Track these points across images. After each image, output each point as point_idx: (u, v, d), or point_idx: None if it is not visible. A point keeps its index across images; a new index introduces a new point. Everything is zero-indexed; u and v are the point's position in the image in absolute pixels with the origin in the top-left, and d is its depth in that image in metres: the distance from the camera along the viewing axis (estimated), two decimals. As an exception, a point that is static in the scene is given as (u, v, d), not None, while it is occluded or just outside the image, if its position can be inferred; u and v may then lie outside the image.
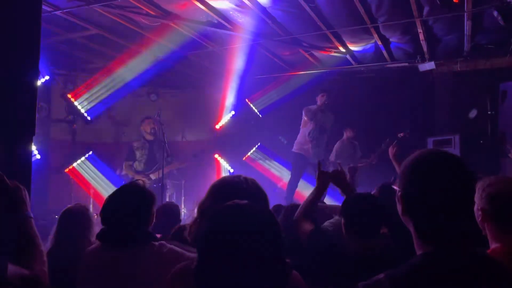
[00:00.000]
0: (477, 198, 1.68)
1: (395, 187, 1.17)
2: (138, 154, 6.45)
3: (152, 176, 6.28)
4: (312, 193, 2.40)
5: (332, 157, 6.80)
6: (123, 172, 6.56)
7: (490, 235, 1.63)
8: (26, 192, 1.45)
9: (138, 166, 6.40)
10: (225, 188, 1.54)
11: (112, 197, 2.03)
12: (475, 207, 1.68)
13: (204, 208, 1.51)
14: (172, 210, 3.14)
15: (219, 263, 1.01)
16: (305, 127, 6.50)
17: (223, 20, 5.41)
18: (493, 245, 1.61)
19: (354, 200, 2.19)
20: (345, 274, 1.92)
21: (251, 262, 1.00)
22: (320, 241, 2.13)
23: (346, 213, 2.13)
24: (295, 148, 6.53)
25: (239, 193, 1.46)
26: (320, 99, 6.43)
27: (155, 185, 6.03)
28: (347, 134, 6.97)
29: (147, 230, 1.99)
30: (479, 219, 1.65)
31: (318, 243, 2.12)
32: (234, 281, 0.99)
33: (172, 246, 1.86)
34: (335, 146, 6.91)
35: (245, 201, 1.13)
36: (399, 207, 1.12)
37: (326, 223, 2.65)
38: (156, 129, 6.39)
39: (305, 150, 6.37)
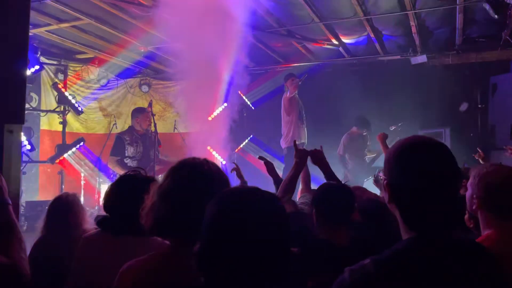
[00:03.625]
0: (471, 185, 1.72)
1: (381, 175, 1.18)
2: (131, 150, 5.79)
3: None
4: (291, 171, 2.51)
5: (340, 150, 6.66)
6: (110, 170, 5.87)
7: (484, 222, 1.67)
8: (3, 178, 1.41)
9: (131, 163, 5.73)
10: (185, 171, 1.46)
11: (118, 184, 1.97)
12: (469, 194, 1.72)
13: (163, 191, 1.45)
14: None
15: (226, 248, 1.00)
16: (289, 115, 6.48)
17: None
18: (486, 231, 1.65)
19: (324, 189, 2.22)
20: (316, 258, 1.95)
21: (259, 247, 0.99)
22: (297, 224, 2.15)
23: (318, 202, 2.15)
24: (287, 143, 6.52)
25: (199, 175, 1.42)
26: (292, 83, 6.43)
27: None
28: (357, 129, 6.76)
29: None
30: (474, 206, 1.69)
31: (295, 225, 2.16)
32: (239, 265, 0.99)
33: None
34: (343, 139, 6.76)
35: (254, 186, 1.12)
36: (385, 195, 1.13)
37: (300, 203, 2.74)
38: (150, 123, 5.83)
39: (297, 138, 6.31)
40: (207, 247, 1.04)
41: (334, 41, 6.58)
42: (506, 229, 1.60)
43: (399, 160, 1.10)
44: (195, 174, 1.43)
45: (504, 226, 1.61)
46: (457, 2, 4.94)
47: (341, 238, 2.02)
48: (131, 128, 5.97)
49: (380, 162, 6.11)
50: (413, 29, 5.91)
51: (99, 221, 1.95)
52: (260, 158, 2.93)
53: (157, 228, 1.48)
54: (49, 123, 7.51)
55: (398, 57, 7.10)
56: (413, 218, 1.08)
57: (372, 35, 6.22)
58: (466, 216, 2.02)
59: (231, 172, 3.67)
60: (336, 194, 2.12)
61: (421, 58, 6.79)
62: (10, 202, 1.38)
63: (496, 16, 4.59)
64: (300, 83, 6.33)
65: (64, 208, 2.57)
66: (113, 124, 7.90)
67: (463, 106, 6.78)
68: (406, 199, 1.08)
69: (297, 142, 2.96)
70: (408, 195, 1.07)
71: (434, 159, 1.07)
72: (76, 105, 6.81)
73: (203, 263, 1.04)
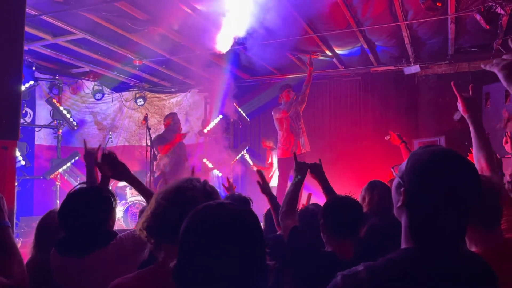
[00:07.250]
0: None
1: (398, 177, 1.15)
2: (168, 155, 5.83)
3: None
4: (292, 185, 2.42)
5: None
6: (157, 174, 5.79)
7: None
8: (4, 201, 1.41)
9: (165, 168, 5.79)
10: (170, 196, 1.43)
11: (66, 203, 1.92)
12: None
13: (154, 213, 1.42)
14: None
15: (201, 262, 0.99)
16: (281, 130, 6.43)
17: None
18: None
19: (334, 201, 2.20)
20: (320, 274, 1.93)
21: (233, 260, 0.99)
22: (299, 239, 2.13)
23: (326, 214, 2.12)
24: (279, 154, 6.49)
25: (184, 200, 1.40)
26: (288, 95, 6.34)
27: None
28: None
29: (106, 230, 1.91)
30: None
31: (297, 241, 2.12)
32: (215, 279, 0.98)
33: (128, 232, 1.79)
34: None
35: (228, 201, 1.13)
36: (400, 199, 1.10)
37: None
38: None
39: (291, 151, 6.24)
40: (179, 264, 1.04)
41: (328, 53, 6.63)
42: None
43: (426, 173, 1.07)
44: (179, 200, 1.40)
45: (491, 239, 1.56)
46: (448, 13, 5.00)
47: (346, 251, 2.00)
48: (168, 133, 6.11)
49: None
50: (406, 40, 5.97)
51: (57, 244, 1.89)
52: (258, 172, 2.78)
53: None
54: (44, 137, 7.47)
55: (392, 67, 7.17)
56: (422, 229, 1.06)
57: (365, 46, 6.28)
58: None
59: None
60: (344, 208, 2.10)
61: (414, 68, 6.86)
62: (9, 224, 1.38)
63: (487, 27, 4.65)
64: (295, 97, 6.28)
65: (54, 226, 2.46)
66: (108, 138, 7.88)
67: (457, 115, 6.82)
68: (421, 210, 1.06)
69: (296, 153, 2.87)
70: (425, 208, 1.05)
71: (462, 178, 1.05)
72: (71, 119, 6.80)
73: (176, 279, 1.04)
